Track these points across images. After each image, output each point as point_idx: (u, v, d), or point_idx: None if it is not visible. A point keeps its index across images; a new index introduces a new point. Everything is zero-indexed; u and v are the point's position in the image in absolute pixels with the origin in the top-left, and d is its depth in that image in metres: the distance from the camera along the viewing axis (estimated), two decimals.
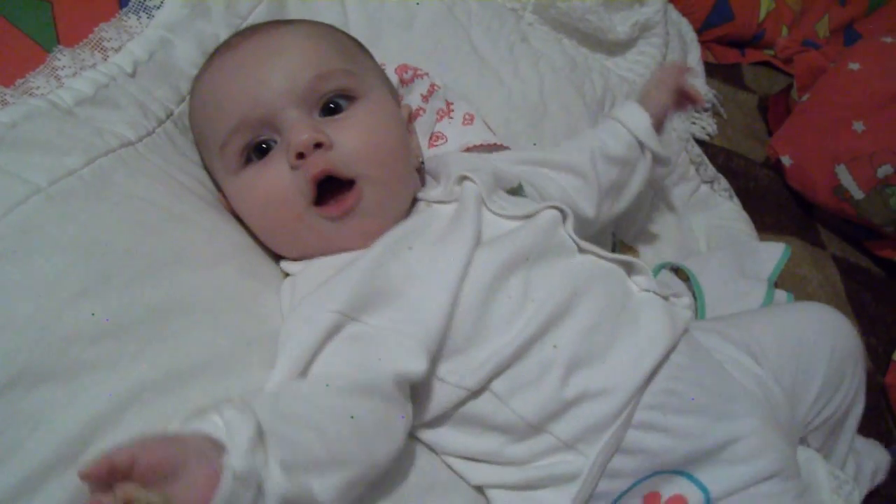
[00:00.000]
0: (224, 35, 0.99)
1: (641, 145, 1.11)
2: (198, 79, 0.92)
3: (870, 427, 1.31)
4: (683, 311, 0.88)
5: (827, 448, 1.02)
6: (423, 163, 1.01)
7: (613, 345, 0.80)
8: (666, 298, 0.88)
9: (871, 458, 1.12)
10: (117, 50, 0.90)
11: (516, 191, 0.96)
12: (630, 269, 0.89)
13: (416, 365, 0.73)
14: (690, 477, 0.78)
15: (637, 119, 1.11)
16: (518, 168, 1.01)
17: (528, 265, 0.81)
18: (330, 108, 0.86)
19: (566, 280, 0.82)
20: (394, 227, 0.85)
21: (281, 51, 0.85)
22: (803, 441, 0.98)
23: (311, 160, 0.81)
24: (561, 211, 0.88)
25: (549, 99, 1.29)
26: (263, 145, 0.85)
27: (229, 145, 0.84)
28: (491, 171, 0.92)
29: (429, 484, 0.78)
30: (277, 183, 0.82)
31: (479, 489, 0.82)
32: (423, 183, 0.97)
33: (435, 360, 0.75)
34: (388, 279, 0.78)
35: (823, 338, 0.98)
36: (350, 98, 0.87)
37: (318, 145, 0.81)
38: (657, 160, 1.13)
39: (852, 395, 1.00)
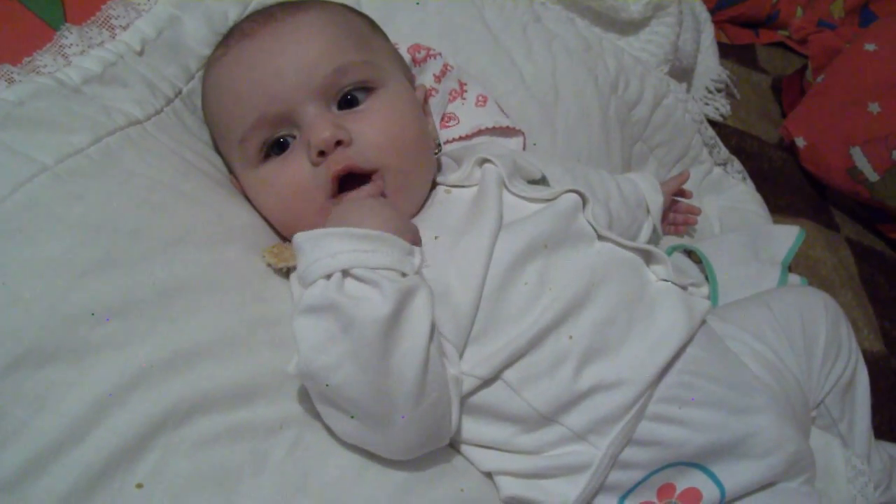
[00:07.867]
0: (233, 13, 0.98)
1: (647, 209, 1.15)
2: (212, 66, 0.90)
3: (883, 412, 1.30)
4: (701, 301, 0.87)
5: (846, 424, 1.02)
6: (439, 144, 1.00)
7: (628, 337, 0.79)
8: (684, 288, 0.87)
9: None
10: (125, 27, 0.89)
11: (538, 182, 0.95)
12: (648, 257, 0.88)
13: (454, 370, 0.74)
14: (706, 470, 0.78)
15: (651, 189, 1.16)
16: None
17: (547, 253, 0.80)
18: (348, 100, 0.85)
19: (584, 270, 0.81)
20: (416, 216, 0.86)
21: (297, 42, 0.84)
22: (823, 412, 0.99)
23: (332, 157, 0.81)
24: (581, 195, 0.87)
25: (561, 82, 1.28)
26: (282, 140, 0.84)
27: (249, 140, 0.84)
28: (512, 159, 0.91)
29: (440, 468, 0.77)
30: (298, 179, 0.82)
31: (488, 475, 0.81)
32: (439, 165, 0.96)
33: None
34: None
35: (816, 305, 1.04)
36: (368, 89, 0.86)
37: (338, 143, 0.80)
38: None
39: (854, 357, 1.04)
